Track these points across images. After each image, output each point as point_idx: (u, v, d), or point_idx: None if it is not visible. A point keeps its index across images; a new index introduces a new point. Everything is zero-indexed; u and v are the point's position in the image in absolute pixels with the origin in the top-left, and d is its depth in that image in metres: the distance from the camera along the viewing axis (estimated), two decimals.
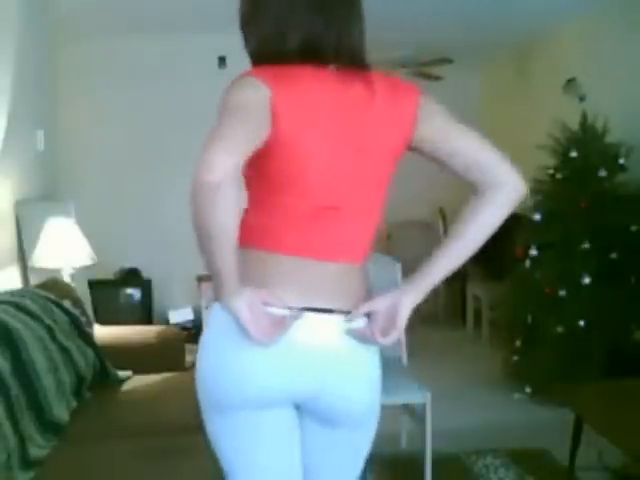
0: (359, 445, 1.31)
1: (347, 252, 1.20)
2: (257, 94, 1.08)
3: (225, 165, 1.03)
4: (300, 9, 1.14)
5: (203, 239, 1.09)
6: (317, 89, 1.13)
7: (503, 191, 1.14)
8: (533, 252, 3.48)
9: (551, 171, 3.53)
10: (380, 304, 1.19)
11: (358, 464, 1.33)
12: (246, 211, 1.18)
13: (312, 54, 1.14)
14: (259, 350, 1.12)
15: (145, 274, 4.51)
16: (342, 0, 1.17)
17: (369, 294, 1.23)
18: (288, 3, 1.15)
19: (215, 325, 1.22)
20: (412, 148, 1.21)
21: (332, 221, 1.17)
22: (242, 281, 1.11)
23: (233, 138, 1.05)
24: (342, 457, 1.30)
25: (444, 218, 5.27)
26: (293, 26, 1.14)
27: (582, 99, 4.10)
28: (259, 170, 1.14)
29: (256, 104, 1.08)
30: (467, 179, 1.17)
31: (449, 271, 1.21)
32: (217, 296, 1.16)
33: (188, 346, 3.03)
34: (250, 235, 1.16)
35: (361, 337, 1.19)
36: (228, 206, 1.02)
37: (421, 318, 5.59)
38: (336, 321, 1.17)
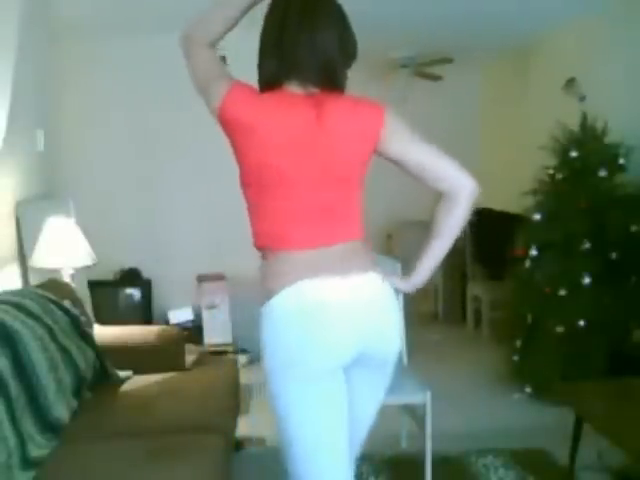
0: (387, 380, 1.57)
1: (344, 233, 1.46)
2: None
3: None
4: (264, 56, 1.46)
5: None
6: (278, 115, 1.39)
7: (463, 194, 1.43)
8: (533, 252, 3.48)
9: (551, 171, 3.53)
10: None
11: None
12: (250, 220, 1.49)
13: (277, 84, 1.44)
14: (333, 321, 1.38)
15: (145, 274, 4.51)
16: (296, 41, 1.40)
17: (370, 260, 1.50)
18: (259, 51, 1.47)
19: (289, 307, 1.40)
20: (385, 157, 1.46)
21: (321, 214, 1.42)
22: (276, 278, 1.40)
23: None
24: (379, 393, 1.57)
25: None
26: (261, 66, 1.46)
27: (582, 99, 4.10)
28: (254, 180, 1.45)
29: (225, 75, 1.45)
30: (434, 189, 1.45)
31: (435, 265, 1.51)
32: None
33: (188, 346, 3.04)
34: (264, 240, 1.46)
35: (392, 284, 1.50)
36: None
37: (421, 318, 5.62)
38: (363, 281, 1.43)
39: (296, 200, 1.41)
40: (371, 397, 1.55)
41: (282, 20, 1.41)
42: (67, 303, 2.52)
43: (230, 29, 1.49)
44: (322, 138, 1.39)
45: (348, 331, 1.39)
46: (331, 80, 1.43)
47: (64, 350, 2.25)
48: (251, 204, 1.47)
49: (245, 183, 1.47)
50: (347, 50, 1.45)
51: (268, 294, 1.40)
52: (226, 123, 1.43)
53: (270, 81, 1.43)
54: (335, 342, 1.39)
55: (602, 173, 3.34)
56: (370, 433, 1.68)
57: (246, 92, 1.41)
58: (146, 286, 4.45)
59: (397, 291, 1.53)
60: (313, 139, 1.39)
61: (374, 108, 1.44)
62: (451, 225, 1.45)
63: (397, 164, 1.46)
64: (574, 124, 3.50)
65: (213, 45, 1.49)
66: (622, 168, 3.37)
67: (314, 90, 1.42)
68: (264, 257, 1.48)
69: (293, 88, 1.42)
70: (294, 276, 1.38)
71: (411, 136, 1.44)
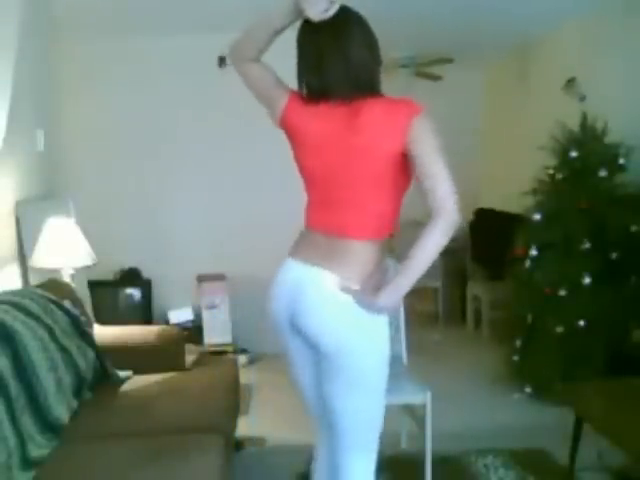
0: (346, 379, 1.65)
1: (346, 230, 1.61)
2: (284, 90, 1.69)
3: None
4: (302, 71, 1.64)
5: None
6: (319, 123, 1.60)
7: (442, 218, 1.45)
8: (533, 252, 3.48)
9: (551, 171, 3.53)
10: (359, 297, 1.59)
11: (355, 396, 1.66)
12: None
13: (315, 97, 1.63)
14: (276, 292, 1.74)
15: (145, 274, 4.51)
16: (332, 63, 1.56)
17: (378, 267, 1.63)
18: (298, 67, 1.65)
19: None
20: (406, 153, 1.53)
21: (333, 207, 1.63)
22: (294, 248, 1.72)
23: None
24: (339, 388, 1.66)
25: None
26: (302, 81, 1.65)
27: (582, 99, 4.10)
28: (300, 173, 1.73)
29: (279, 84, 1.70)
30: (425, 199, 1.48)
31: (411, 284, 1.52)
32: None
33: (188, 346, 3.03)
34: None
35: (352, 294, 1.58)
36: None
37: (421, 318, 5.63)
38: (326, 276, 1.60)
39: (317, 191, 1.68)
40: (336, 385, 1.66)
41: (315, 37, 1.58)
42: (67, 303, 2.52)
43: (268, 45, 1.66)
44: (349, 137, 1.55)
45: (281, 302, 1.70)
46: (367, 87, 1.58)
47: (64, 350, 2.25)
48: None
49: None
50: (376, 54, 1.62)
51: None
52: (286, 129, 1.69)
53: (313, 91, 1.62)
54: (272, 306, 1.74)
55: (602, 173, 3.34)
56: None
57: (298, 104, 1.65)
58: (146, 286, 4.45)
59: (369, 312, 1.57)
60: (340, 140, 1.56)
61: (410, 105, 1.54)
62: (426, 247, 1.47)
63: (411, 161, 1.53)
64: (574, 124, 3.50)
65: (257, 60, 1.68)
66: (622, 168, 3.37)
67: (352, 96, 1.56)
68: None
69: (335, 98, 1.58)
70: (289, 252, 1.72)
71: (430, 146, 1.50)
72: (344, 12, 1.58)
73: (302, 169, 1.70)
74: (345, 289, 1.57)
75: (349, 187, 1.59)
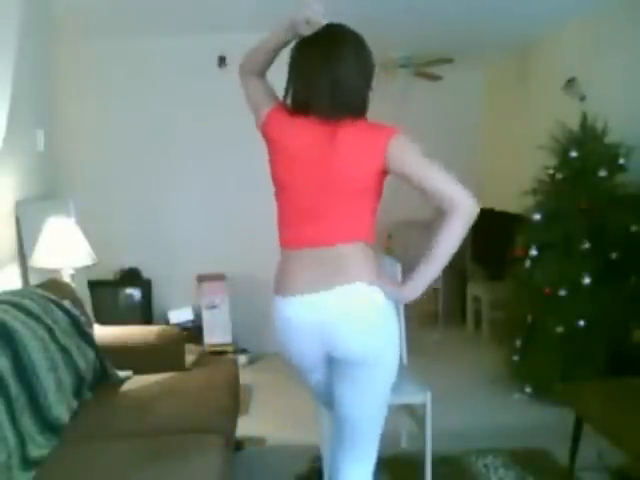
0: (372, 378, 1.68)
1: (333, 237, 1.62)
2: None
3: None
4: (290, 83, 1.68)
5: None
6: (297, 135, 1.64)
7: (457, 212, 1.51)
8: (533, 252, 3.49)
9: (551, 171, 3.53)
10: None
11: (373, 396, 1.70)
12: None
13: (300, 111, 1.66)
14: (295, 335, 1.70)
15: (145, 274, 4.51)
16: (320, 82, 1.60)
17: (372, 263, 1.64)
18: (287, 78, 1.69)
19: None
20: (394, 174, 1.59)
21: (314, 218, 1.63)
22: (276, 276, 1.72)
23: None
24: (363, 389, 1.69)
25: None
26: (288, 93, 1.69)
27: (582, 99, 4.10)
28: (274, 185, 1.75)
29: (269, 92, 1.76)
30: (434, 204, 1.55)
31: (432, 276, 1.59)
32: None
33: (188, 346, 3.04)
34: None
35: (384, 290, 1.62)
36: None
37: (421, 318, 5.62)
38: (336, 295, 1.60)
39: (291, 202, 1.68)
40: (354, 389, 1.68)
41: (307, 54, 1.63)
42: (67, 303, 2.52)
43: (270, 61, 1.75)
44: (328, 156, 1.59)
45: (307, 343, 1.66)
46: (351, 109, 1.61)
47: (64, 350, 2.25)
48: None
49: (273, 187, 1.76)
50: (367, 78, 1.65)
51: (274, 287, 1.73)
52: (265, 136, 1.73)
53: (297, 105, 1.65)
54: (295, 351, 1.71)
55: (602, 173, 3.34)
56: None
57: (281, 114, 1.68)
58: (146, 286, 4.45)
59: (395, 301, 1.65)
60: (319, 157, 1.60)
61: (385, 129, 1.59)
62: (446, 239, 1.53)
63: (403, 180, 1.59)
64: (574, 124, 3.50)
65: (261, 75, 1.77)
66: (622, 168, 3.37)
67: (334, 115, 1.60)
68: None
69: (316, 114, 1.61)
70: (279, 286, 1.70)
71: (415, 156, 1.56)
72: (342, 33, 1.63)
73: (275, 178, 1.72)
74: (384, 290, 1.61)
75: (326, 200, 1.61)
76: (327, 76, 1.59)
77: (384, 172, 1.59)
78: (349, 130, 1.59)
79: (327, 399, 1.82)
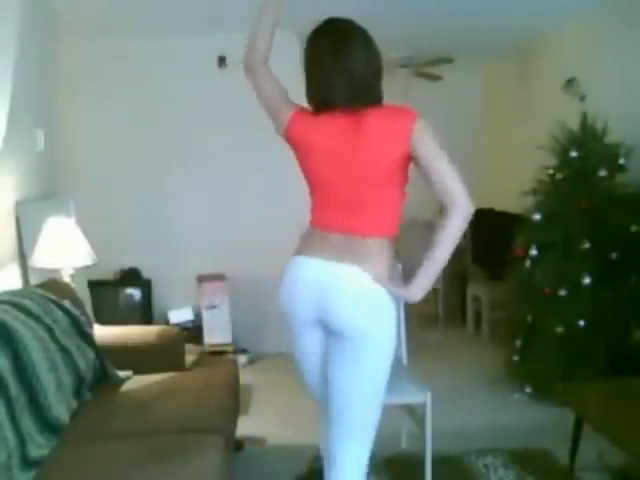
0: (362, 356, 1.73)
1: (361, 228, 1.72)
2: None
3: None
4: (309, 84, 1.76)
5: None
6: (322, 131, 1.72)
7: (454, 211, 1.59)
8: (533, 252, 3.48)
9: (551, 171, 3.53)
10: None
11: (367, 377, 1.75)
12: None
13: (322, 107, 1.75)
14: (296, 290, 1.79)
15: (145, 274, 4.51)
16: (335, 78, 1.68)
17: (389, 261, 1.75)
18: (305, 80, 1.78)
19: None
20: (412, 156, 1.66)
21: (348, 210, 1.72)
22: (298, 245, 1.81)
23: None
24: (354, 365, 1.74)
25: None
26: (308, 94, 1.77)
27: (582, 99, 4.10)
28: (307, 181, 1.83)
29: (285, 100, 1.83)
30: (436, 196, 1.63)
31: (437, 273, 1.66)
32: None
33: (188, 346, 3.04)
34: (310, 220, 1.83)
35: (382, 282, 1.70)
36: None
37: (421, 319, 5.62)
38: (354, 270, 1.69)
39: (331, 195, 1.75)
40: (344, 366, 1.74)
41: (318, 53, 1.71)
42: (67, 303, 2.52)
43: (271, 38, 1.83)
44: (358, 146, 1.66)
45: (305, 302, 1.75)
46: (368, 98, 1.69)
47: (64, 350, 2.25)
48: (311, 198, 1.84)
49: (307, 184, 1.83)
50: (375, 65, 1.72)
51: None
52: (290, 142, 1.79)
53: (318, 104, 1.73)
54: (292, 309, 1.79)
55: (602, 173, 3.34)
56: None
57: (303, 116, 1.76)
58: (146, 286, 4.45)
59: (397, 299, 1.73)
60: (349, 149, 1.67)
61: (408, 113, 1.66)
62: (447, 234, 1.61)
63: (414, 162, 1.66)
64: (574, 124, 3.50)
65: (266, 60, 1.83)
66: (622, 168, 3.37)
67: (355, 107, 1.68)
68: None
69: (337, 109, 1.69)
70: (299, 249, 1.78)
71: (432, 145, 1.63)
72: (349, 27, 1.71)
73: (311, 177, 1.78)
74: (379, 281, 1.68)
75: (361, 190, 1.69)
76: (340, 72, 1.66)
77: (409, 157, 1.66)
78: (372, 118, 1.66)
79: (320, 388, 1.86)
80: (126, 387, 2.52)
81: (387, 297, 1.70)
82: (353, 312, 1.69)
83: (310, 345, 1.83)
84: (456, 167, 1.59)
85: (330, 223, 1.76)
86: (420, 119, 1.64)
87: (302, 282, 1.75)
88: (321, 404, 1.91)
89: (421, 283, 1.67)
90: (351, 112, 1.67)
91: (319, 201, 1.80)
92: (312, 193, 1.81)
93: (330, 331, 1.75)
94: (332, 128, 1.70)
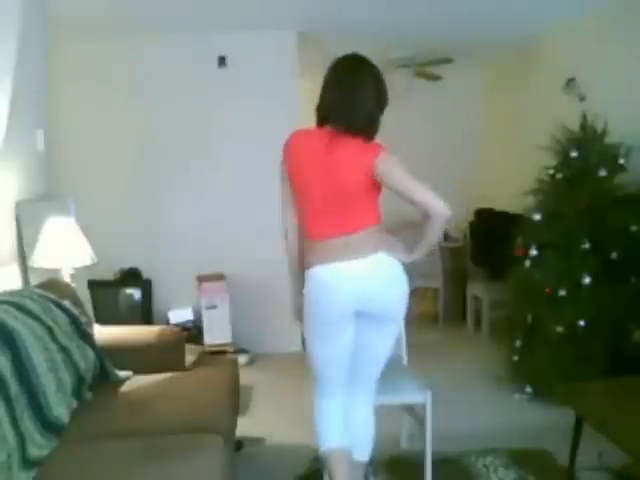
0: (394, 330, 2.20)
1: (346, 228, 2.01)
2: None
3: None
4: (321, 104, 2.10)
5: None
6: (307, 145, 2.05)
7: (433, 217, 1.91)
8: (533, 252, 3.49)
9: (551, 171, 3.53)
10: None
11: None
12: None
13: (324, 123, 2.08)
14: (331, 291, 2.08)
15: (145, 274, 4.51)
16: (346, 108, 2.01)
17: (380, 243, 2.05)
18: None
19: None
20: (382, 185, 2.00)
21: (329, 214, 2.03)
22: (307, 258, 2.10)
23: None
24: (387, 338, 2.18)
25: None
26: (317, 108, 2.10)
27: (582, 99, 4.09)
28: (292, 189, 2.13)
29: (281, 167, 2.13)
30: (416, 208, 1.93)
31: (427, 249, 2.07)
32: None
33: (188, 346, 3.03)
34: (301, 231, 2.15)
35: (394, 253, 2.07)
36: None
37: (421, 318, 5.61)
38: (360, 262, 2.01)
39: (311, 205, 2.05)
40: (379, 340, 2.15)
41: (334, 82, 2.03)
42: (67, 303, 2.52)
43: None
44: (329, 165, 1.97)
45: (343, 297, 2.02)
46: (366, 127, 2.00)
47: (64, 350, 2.25)
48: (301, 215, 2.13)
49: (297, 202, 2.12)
50: (381, 101, 2.04)
51: (307, 265, 2.10)
52: (286, 171, 2.12)
53: (322, 121, 2.06)
54: (333, 304, 2.04)
55: (602, 173, 3.35)
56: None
57: (296, 139, 2.08)
58: (146, 286, 4.45)
59: (401, 261, 2.07)
60: (323, 165, 1.98)
61: (373, 146, 1.98)
62: (430, 234, 1.99)
63: (389, 189, 1.96)
64: (574, 124, 3.50)
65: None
66: (622, 168, 3.37)
67: (344, 131, 1.97)
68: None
69: (331, 125, 2.01)
70: (315, 260, 2.05)
71: (397, 171, 1.94)
72: (365, 64, 2.03)
73: (292, 181, 2.08)
74: (390, 252, 2.04)
75: (337, 202, 2.00)
76: (349, 98, 1.98)
77: (374, 181, 1.96)
78: (346, 147, 1.96)
79: (337, 367, 2.17)
80: (126, 387, 2.52)
81: (402, 271, 2.04)
82: (389, 290, 2.05)
83: (348, 336, 2.11)
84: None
85: (317, 232, 2.05)
86: (382, 152, 1.94)
87: (336, 285, 2.00)
88: (330, 383, 2.21)
89: (419, 251, 2.07)
90: (337, 134, 1.96)
91: (301, 211, 2.08)
92: (303, 209, 2.07)
93: (366, 315, 2.05)
94: (313, 144, 2.01)
